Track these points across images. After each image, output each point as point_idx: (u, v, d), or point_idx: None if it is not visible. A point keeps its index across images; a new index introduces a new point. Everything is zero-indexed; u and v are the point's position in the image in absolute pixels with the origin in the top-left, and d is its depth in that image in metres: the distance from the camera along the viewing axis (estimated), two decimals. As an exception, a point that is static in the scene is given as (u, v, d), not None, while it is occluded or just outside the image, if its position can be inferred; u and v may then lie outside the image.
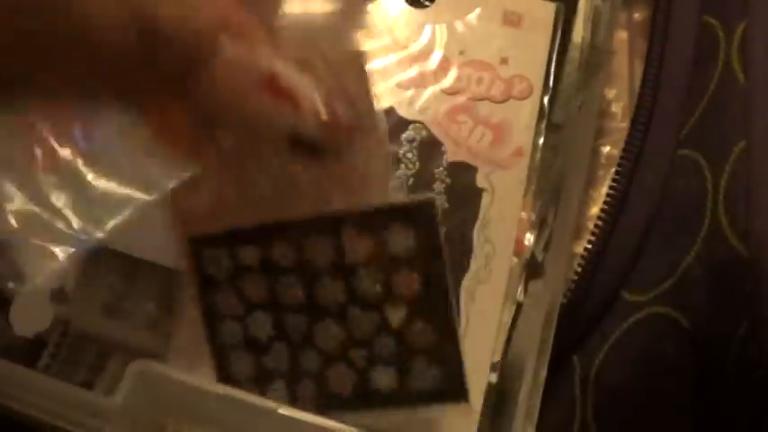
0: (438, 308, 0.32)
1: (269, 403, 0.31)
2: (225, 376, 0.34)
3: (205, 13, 0.24)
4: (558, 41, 0.41)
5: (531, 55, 0.40)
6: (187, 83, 0.25)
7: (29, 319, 0.36)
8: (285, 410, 0.30)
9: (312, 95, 0.26)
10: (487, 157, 0.38)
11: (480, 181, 0.38)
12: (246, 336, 0.33)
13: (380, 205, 0.32)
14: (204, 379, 0.33)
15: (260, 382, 0.33)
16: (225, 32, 0.24)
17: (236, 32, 0.25)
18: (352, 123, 0.28)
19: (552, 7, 0.41)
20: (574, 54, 0.41)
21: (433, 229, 0.32)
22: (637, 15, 0.47)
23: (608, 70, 0.43)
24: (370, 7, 0.39)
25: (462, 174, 0.38)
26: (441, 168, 0.38)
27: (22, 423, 0.32)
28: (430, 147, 0.38)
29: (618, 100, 0.45)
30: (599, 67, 0.40)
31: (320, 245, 0.32)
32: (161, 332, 0.36)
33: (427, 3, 0.41)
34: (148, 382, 0.31)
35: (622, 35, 0.47)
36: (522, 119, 0.39)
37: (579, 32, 0.41)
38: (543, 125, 0.39)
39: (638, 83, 0.43)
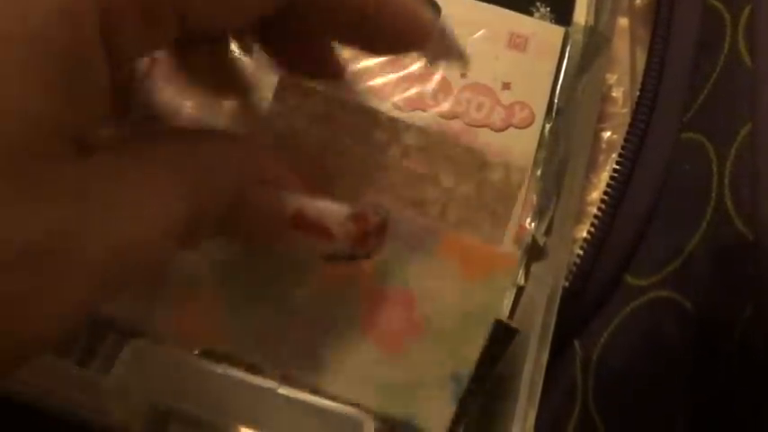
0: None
1: (268, 383, 0.30)
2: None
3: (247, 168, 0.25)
4: (564, 67, 0.39)
5: (534, 81, 0.38)
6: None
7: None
8: (285, 390, 0.30)
9: (340, 219, 0.27)
10: None
11: None
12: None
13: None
14: (201, 358, 0.32)
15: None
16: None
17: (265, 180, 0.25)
18: (383, 225, 0.29)
19: (560, 32, 0.39)
20: (577, 38, 0.40)
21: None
22: (638, 1, 0.47)
23: (609, 55, 0.43)
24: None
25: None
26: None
27: (15, 400, 0.32)
28: (422, 172, 0.37)
29: (619, 85, 0.45)
30: (597, 52, 0.40)
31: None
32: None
33: None
34: (145, 360, 0.31)
35: (623, 21, 0.46)
36: (521, 149, 0.37)
37: (582, 15, 0.41)
38: (542, 156, 0.37)
39: (639, 68, 0.42)
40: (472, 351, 0.34)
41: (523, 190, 0.37)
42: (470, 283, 0.34)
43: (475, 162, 0.35)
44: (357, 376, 0.31)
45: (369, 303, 0.34)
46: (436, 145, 0.36)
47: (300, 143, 0.35)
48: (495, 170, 0.35)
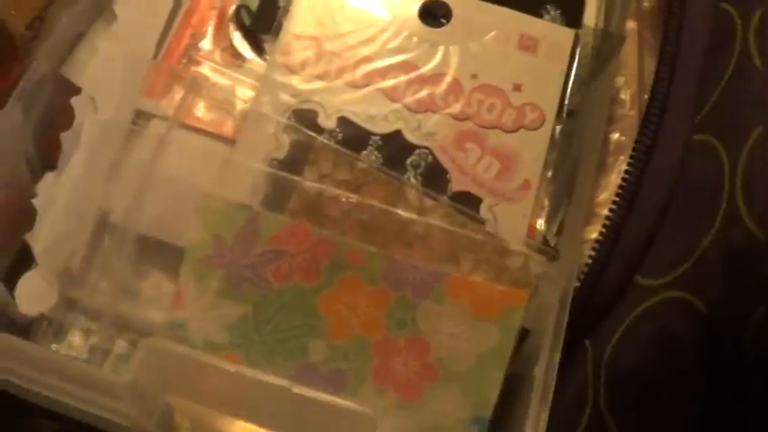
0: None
1: (282, 382, 0.30)
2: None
3: None
4: (574, 69, 0.39)
5: (545, 83, 0.39)
6: None
7: (34, 298, 0.36)
8: (299, 389, 0.30)
9: None
10: (493, 188, 0.37)
11: (484, 212, 0.36)
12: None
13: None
14: (216, 357, 0.32)
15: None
16: None
17: None
18: None
19: (571, 34, 0.39)
20: (587, 41, 0.40)
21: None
22: (646, 4, 0.47)
23: (619, 58, 0.43)
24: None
25: (466, 204, 0.36)
26: (444, 197, 0.36)
27: (31, 401, 0.32)
28: (435, 174, 0.37)
29: (626, 87, 0.45)
30: (611, 55, 0.40)
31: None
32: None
33: (443, 20, 0.39)
34: (159, 359, 0.31)
35: (631, 24, 0.46)
36: (532, 150, 0.37)
37: (592, 18, 0.41)
38: (553, 157, 0.38)
39: (646, 70, 0.42)
40: (490, 392, 0.33)
41: (534, 191, 0.37)
42: (483, 323, 0.34)
43: (495, 249, 0.35)
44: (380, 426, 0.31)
45: (383, 354, 0.34)
46: (459, 227, 0.35)
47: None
48: (515, 258, 0.35)
